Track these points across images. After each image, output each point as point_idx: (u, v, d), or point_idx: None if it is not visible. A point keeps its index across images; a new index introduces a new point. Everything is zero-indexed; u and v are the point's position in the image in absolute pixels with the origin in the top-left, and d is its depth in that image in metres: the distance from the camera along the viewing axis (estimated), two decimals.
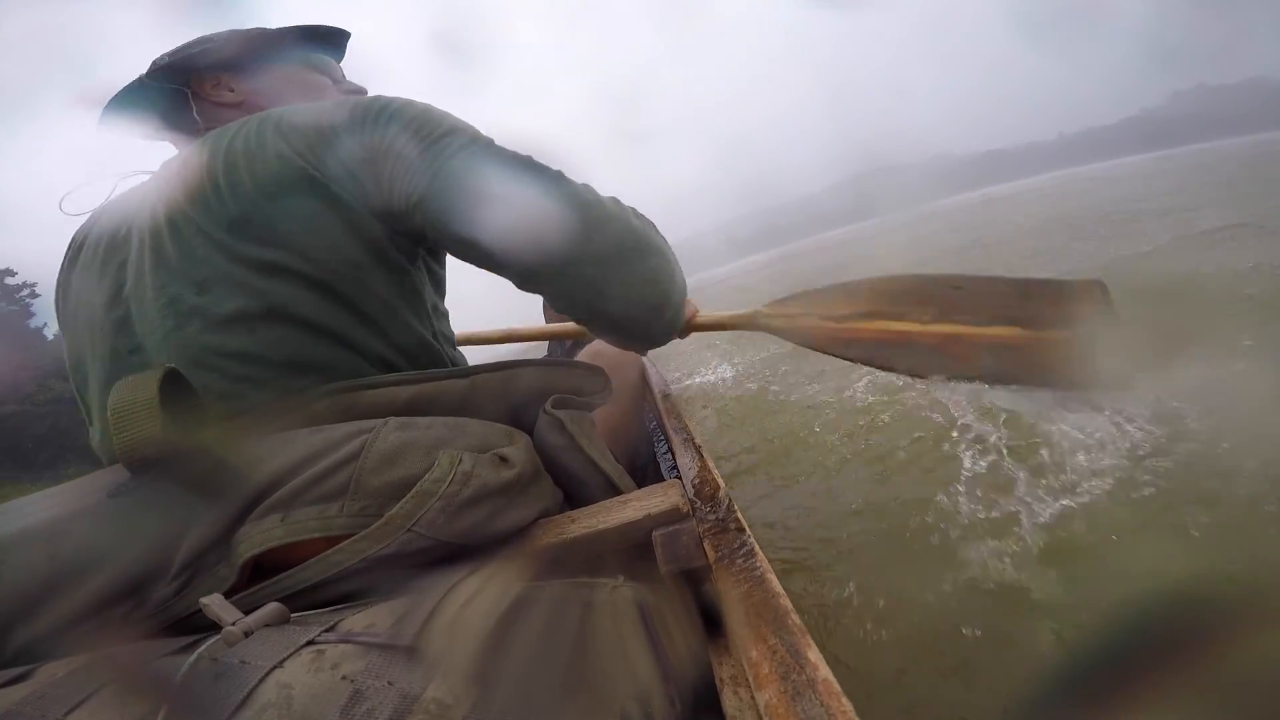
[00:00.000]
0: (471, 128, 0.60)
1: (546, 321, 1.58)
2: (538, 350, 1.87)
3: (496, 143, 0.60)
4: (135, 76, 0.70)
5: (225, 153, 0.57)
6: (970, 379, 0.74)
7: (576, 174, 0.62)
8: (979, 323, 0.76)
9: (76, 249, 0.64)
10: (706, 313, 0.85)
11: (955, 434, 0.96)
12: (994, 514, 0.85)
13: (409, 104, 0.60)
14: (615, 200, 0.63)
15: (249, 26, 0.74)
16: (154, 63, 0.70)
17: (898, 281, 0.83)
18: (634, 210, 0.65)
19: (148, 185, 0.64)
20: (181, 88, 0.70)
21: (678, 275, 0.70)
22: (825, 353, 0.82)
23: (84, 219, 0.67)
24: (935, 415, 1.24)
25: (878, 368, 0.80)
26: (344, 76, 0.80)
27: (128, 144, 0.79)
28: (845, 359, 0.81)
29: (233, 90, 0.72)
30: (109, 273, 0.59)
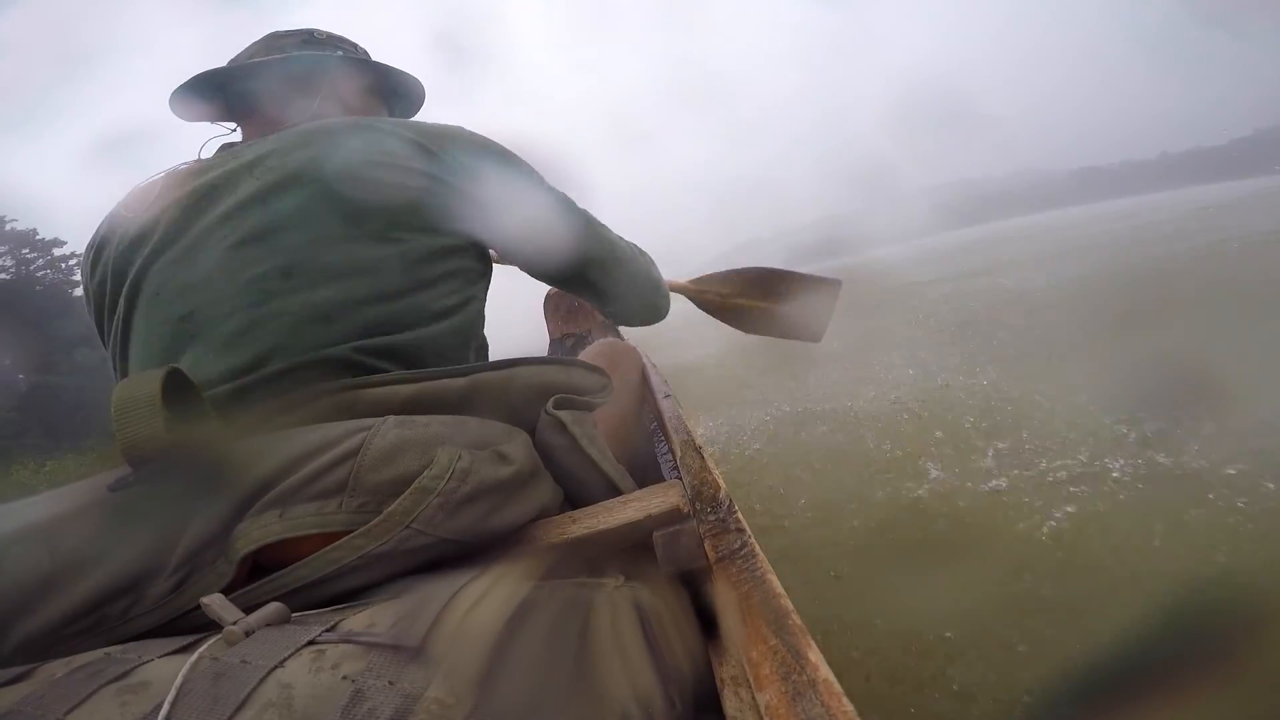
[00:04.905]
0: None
1: (546, 317, 1.81)
2: (539, 349, 1.88)
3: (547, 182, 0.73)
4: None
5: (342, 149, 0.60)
6: (753, 332, 1.28)
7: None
8: (760, 299, 1.26)
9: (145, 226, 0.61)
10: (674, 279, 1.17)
11: None
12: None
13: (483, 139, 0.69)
14: (618, 237, 0.81)
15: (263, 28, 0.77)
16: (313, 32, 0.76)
17: (742, 272, 1.30)
18: (628, 242, 0.84)
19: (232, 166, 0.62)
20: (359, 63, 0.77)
21: (656, 270, 0.93)
22: (709, 314, 1.29)
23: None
24: None
25: (730, 325, 1.29)
26: None
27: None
28: (717, 318, 1.29)
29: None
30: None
